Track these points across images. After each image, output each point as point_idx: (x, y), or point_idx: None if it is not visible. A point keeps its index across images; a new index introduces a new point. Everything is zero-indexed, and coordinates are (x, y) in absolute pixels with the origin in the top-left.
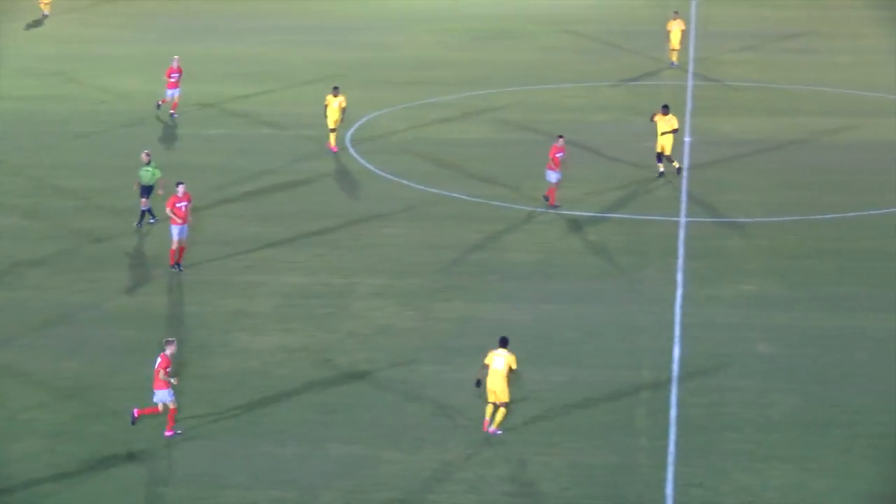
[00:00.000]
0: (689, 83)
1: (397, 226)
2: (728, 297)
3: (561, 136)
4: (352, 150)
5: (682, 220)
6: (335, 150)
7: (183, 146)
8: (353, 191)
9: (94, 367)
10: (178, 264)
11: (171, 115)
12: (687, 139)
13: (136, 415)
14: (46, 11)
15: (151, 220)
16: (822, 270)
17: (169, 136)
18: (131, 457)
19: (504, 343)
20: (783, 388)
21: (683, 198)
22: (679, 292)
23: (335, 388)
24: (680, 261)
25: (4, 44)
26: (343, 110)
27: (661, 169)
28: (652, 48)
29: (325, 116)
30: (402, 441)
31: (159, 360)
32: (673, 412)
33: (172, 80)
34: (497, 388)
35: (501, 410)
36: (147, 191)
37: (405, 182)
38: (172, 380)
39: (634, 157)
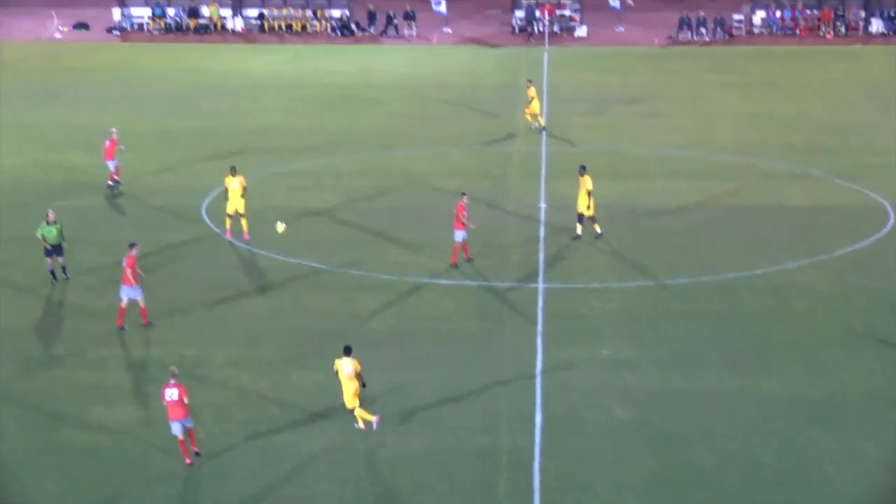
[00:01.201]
0: (544, 149)
1: (252, 295)
2: (585, 361)
3: (464, 194)
4: (206, 220)
5: (541, 286)
6: (247, 237)
7: (27, 217)
8: (206, 260)
9: None
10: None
11: (109, 184)
12: (542, 205)
13: (183, 451)
14: None
15: (65, 277)
16: (672, 333)
17: (13, 206)
18: None
19: (348, 352)
20: (639, 450)
21: (541, 264)
22: (539, 357)
23: (192, 460)
24: (539, 326)
25: None
26: (245, 190)
27: (579, 232)
28: (501, 114)
29: (226, 200)
30: None
31: (176, 390)
32: (536, 478)
33: (110, 152)
34: (353, 390)
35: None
36: (57, 249)
37: (259, 251)
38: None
39: (488, 223)
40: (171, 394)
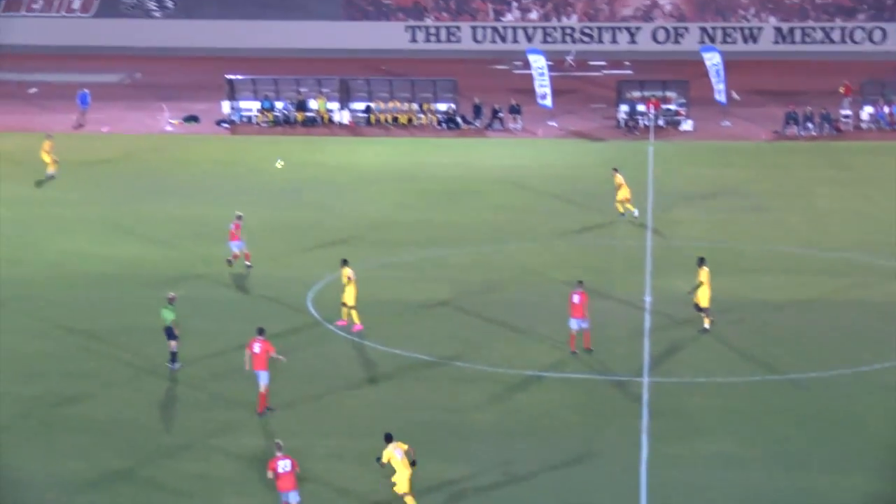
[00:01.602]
0: (648, 242)
1: (356, 386)
2: (690, 457)
3: (581, 282)
4: (313, 311)
5: (646, 379)
6: (357, 328)
7: (141, 308)
8: (312, 351)
9: None
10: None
11: (248, 266)
12: (647, 298)
13: None
14: (52, 171)
15: (177, 365)
16: (779, 430)
17: (124, 299)
18: None
19: (390, 438)
20: None
21: (646, 357)
22: (643, 453)
23: None
24: (644, 421)
25: None
26: (348, 280)
27: (706, 325)
28: (605, 206)
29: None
30: None
31: (288, 461)
32: None
33: (236, 234)
34: (408, 475)
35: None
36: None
37: (366, 343)
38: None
39: (592, 316)
40: (284, 465)
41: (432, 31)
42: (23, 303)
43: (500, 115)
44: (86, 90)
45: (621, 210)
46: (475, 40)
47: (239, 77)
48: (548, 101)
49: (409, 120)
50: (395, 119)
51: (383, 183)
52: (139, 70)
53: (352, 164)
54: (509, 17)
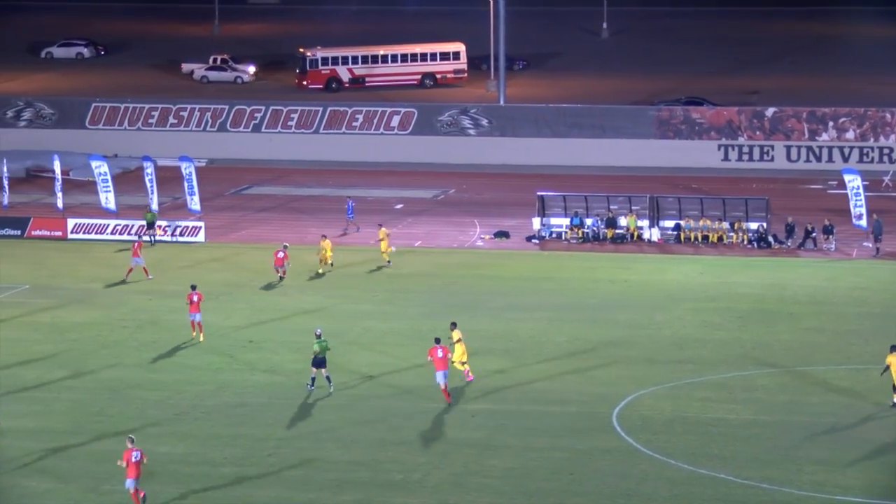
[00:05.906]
0: None
1: None
2: None
3: None
4: (618, 428)
5: None
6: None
7: (443, 422)
8: (616, 469)
9: None
10: None
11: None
12: None
13: None
14: (321, 269)
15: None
16: None
17: (429, 410)
18: None
19: None
20: None
21: None
22: None
23: None
24: None
25: (273, 317)
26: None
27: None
28: None
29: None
30: None
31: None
32: None
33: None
34: None
35: None
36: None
37: (671, 461)
38: None
39: None
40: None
41: (745, 149)
42: (330, 412)
43: (814, 234)
44: (351, 200)
45: None
46: (789, 159)
47: (550, 193)
48: (863, 222)
49: (720, 238)
50: (706, 237)
51: (691, 301)
52: (453, 186)
53: (660, 282)
54: (825, 137)
